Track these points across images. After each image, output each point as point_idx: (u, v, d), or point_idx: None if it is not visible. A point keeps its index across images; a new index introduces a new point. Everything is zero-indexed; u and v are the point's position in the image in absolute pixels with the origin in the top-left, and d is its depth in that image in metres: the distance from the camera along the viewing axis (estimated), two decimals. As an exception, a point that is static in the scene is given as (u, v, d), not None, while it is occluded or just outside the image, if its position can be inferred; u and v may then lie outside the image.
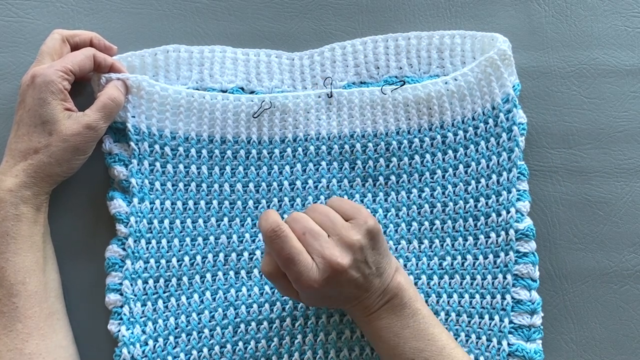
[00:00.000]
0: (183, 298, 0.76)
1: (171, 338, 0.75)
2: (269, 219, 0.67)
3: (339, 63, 0.81)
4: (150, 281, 0.76)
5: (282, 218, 0.77)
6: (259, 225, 0.68)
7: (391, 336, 0.69)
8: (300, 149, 0.79)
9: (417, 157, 0.79)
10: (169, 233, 0.77)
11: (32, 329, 0.70)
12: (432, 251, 0.78)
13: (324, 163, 0.79)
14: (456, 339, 0.76)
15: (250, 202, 0.78)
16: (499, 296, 0.76)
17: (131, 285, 0.75)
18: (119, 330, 0.75)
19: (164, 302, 0.76)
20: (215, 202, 0.78)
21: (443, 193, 0.79)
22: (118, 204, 0.76)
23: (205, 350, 0.76)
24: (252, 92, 0.81)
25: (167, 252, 0.77)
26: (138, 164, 0.77)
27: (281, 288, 0.70)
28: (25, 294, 0.70)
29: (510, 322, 0.75)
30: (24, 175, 0.72)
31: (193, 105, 0.78)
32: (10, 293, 0.70)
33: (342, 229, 0.67)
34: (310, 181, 0.78)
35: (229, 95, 0.79)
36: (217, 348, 0.76)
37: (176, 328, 0.76)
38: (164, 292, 0.76)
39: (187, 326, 0.76)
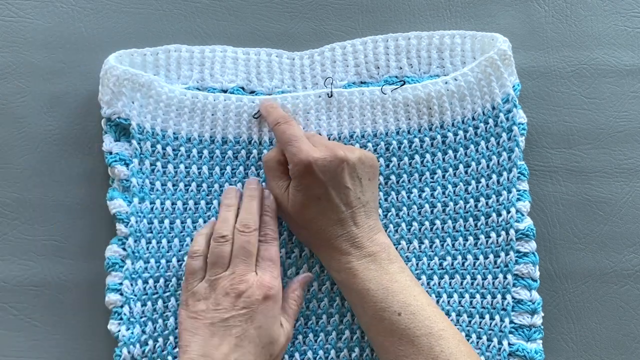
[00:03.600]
0: (183, 298, 0.76)
1: (171, 338, 0.75)
2: (275, 111, 0.76)
3: (339, 63, 0.81)
4: (151, 281, 0.76)
5: (281, 219, 0.77)
6: (265, 115, 0.77)
7: (379, 289, 0.70)
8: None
9: (417, 157, 0.79)
10: (170, 233, 0.77)
11: None
12: (432, 251, 0.78)
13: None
14: (457, 339, 0.77)
15: (251, 202, 0.78)
16: (499, 296, 0.76)
17: (131, 285, 0.75)
18: (119, 330, 0.75)
19: (164, 302, 0.76)
20: (215, 202, 0.78)
21: (443, 193, 0.79)
22: (118, 204, 0.76)
23: (205, 350, 0.76)
24: (252, 92, 0.81)
25: (168, 252, 0.76)
26: (139, 164, 0.77)
27: (272, 178, 0.74)
28: None
29: (511, 322, 0.75)
30: None
31: (197, 106, 0.78)
32: None
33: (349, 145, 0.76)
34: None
35: (231, 95, 0.79)
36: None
37: (176, 328, 0.76)
38: (164, 292, 0.76)
39: (187, 326, 0.76)
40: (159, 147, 0.77)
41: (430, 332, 0.67)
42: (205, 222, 0.78)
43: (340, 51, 0.82)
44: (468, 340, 0.76)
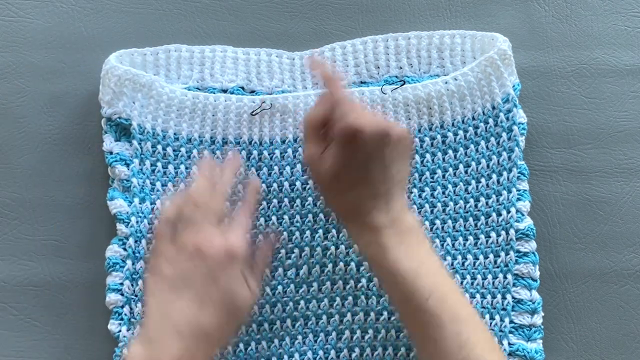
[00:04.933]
0: (183, 299, 0.76)
1: (172, 338, 0.75)
2: (324, 67, 0.73)
3: (339, 63, 0.81)
4: (151, 281, 0.76)
5: (281, 219, 0.77)
6: (313, 69, 0.76)
7: (409, 270, 0.66)
8: (300, 150, 0.79)
9: (417, 157, 0.79)
10: (170, 234, 0.77)
11: None
12: (432, 251, 0.78)
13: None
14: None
15: (251, 203, 0.78)
16: (499, 296, 0.76)
17: (132, 285, 0.75)
18: (119, 330, 0.75)
19: (164, 303, 0.76)
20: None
21: (443, 193, 0.79)
22: (119, 204, 0.76)
23: (205, 350, 0.76)
24: (252, 92, 0.81)
25: (168, 252, 0.76)
26: (140, 164, 0.77)
27: (312, 138, 0.70)
28: None
29: (511, 321, 0.76)
30: (202, 356, 0.66)
31: (197, 106, 0.78)
32: None
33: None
34: (310, 182, 0.78)
35: (232, 96, 0.79)
36: (216, 349, 0.76)
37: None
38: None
39: (187, 326, 0.76)
40: (159, 147, 0.77)
41: (458, 319, 0.65)
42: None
43: (340, 51, 0.82)
44: (469, 339, 0.76)
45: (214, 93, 0.79)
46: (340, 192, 0.70)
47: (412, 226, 0.69)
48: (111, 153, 0.77)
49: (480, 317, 0.68)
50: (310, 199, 0.78)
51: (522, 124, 0.78)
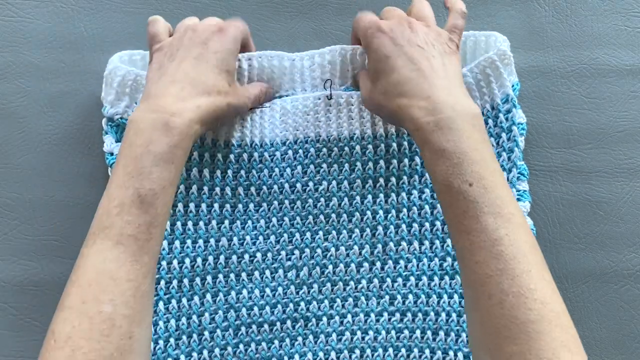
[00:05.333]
0: (184, 300, 0.76)
1: (172, 340, 0.75)
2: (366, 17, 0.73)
3: (338, 65, 0.81)
4: (151, 282, 0.76)
5: (282, 221, 0.77)
6: (356, 24, 0.75)
7: (456, 152, 0.63)
8: (300, 151, 0.79)
9: (417, 159, 0.79)
10: (170, 235, 0.77)
11: (151, 267, 0.63)
12: (432, 252, 0.78)
13: (324, 165, 0.78)
14: (457, 339, 0.76)
15: (251, 205, 0.78)
16: (499, 296, 0.76)
17: (132, 286, 0.75)
18: (120, 331, 0.75)
19: (164, 304, 0.76)
20: (216, 205, 0.78)
21: (443, 194, 0.79)
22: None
23: (205, 352, 0.76)
24: None
25: (168, 254, 0.76)
26: None
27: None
28: (161, 228, 0.64)
29: (511, 322, 0.76)
30: (204, 112, 0.68)
31: None
32: (151, 223, 0.63)
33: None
34: (310, 183, 0.78)
35: None
36: (217, 350, 0.76)
37: (176, 330, 0.76)
38: (165, 294, 0.76)
39: (187, 328, 0.76)
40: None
41: (499, 212, 0.60)
42: (205, 224, 0.77)
43: (341, 53, 0.81)
44: (468, 340, 0.76)
45: None
46: (383, 97, 0.70)
47: (467, 111, 0.65)
48: (112, 154, 0.77)
49: (525, 221, 0.62)
50: (310, 200, 0.78)
51: (522, 124, 0.78)
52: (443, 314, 0.77)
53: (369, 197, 0.78)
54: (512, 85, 0.78)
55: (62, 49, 0.83)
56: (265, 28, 0.84)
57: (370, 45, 0.70)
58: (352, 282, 0.78)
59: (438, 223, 0.78)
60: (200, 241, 0.77)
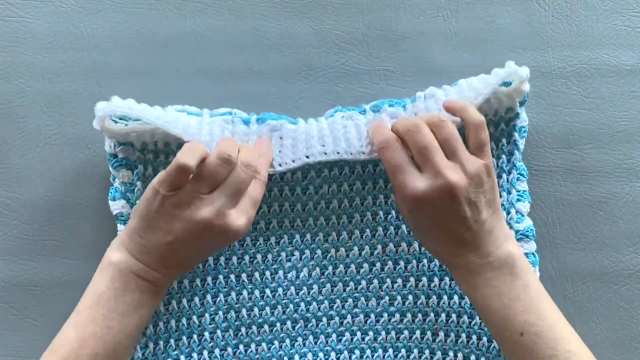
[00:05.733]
0: (184, 301, 0.76)
1: (171, 340, 0.76)
2: (381, 131, 0.70)
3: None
4: (151, 283, 0.76)
5: (282, 223, 0.77)
6: (371, 138, 0.72)
7: (501, 307, 0.66)
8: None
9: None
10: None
11: None
12: (432, 252, 0.78)
13: (325, 170, 0.78)
14: (457, 340, 0.76)
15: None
16: (499, 297, 0.76)
17: (131, 287, 0.75)
18: (119, 332, 0.75)
19: (164, 305, 0.76)
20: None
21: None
22: (121, 205, 0.76)
23: (205, 352, 0.76)
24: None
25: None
26: (144, 169, 0.76)
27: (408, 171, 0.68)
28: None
29: (511, 322, 0.76)
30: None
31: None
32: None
33: (464, 157, 0.67)
34: (310, 186, 0.78)
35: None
36: (217, 351, 0.76)
37: (176, 330, 0.76)
38: (165, 295, 0.76)
39: (187, 328, 0.76)
40: (161, 156, 0.76)
41: (555, 354, 0.64)
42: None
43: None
44: (469, 341, 0.76)
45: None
46: (421, 239, 0.73)
47: (506, 260, 0.67)
48: (115, 156, 0.76)
49: (586, 352, 0.67)
50: (310, 202, 0.78)
51: (523, 127, 0.77)
52: (443, 315, 0.77)
53: (369, 198, 0.78)
54: (522, 101, 0.77)
55: (62, 49, 0.83)
56: (265, 28, 0.84)
57: (410, 212, 0.69)
58: (352, 283, 0.78)
59: (438, 223, 0.78)
60: (200, 242, 0.77)
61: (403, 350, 0.77)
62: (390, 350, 0.77)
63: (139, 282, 0.68)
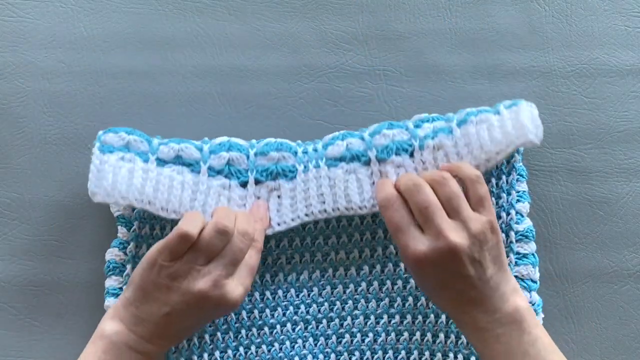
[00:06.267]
0: (184, 303, 0.76)
1: (172, 343, 0.76)
2: (384, 189, 0.69)
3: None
4: (151, 285, 0.76)
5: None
6: (375, 194, 0.71)
7: None
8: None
9: (417, 158, 0.78)
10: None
11: None
12: (432, 253, 0.78)
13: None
14: (457, 341, 0.76)
15: (252, 207, 0.78)
16: (499, 297, 0.76)
17: (131, 289, 0.75)
18: (119, 332, 0.75)
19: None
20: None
21: (443, 195, 0.78)
22: (122, 206, 0.76)
23: (205, 355, 0.76)
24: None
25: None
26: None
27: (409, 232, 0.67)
28: None
29: (511, 323, 0.76)
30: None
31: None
32: None
33: (467, 215, 0.66)
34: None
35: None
36: (217, 353, 0.76)
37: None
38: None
39: (187, 330, 0.76)
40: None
41: None
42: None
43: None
44: (468, 343, 0.76)
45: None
46: (428, 295, 0.73)
47: (511, 317, 0.67)
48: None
49: None
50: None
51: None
52: (442, 316, 0.77)
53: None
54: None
55: (62, 49, 0.83)
56: (265, 28, 0.84)
57: (413, 272, 0.68)
58: (351, 285, 0.78)
59: (438, 224, 0.78)
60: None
61: (403, 352, 0.77)
62: (391, 352, 0.77)
63: (132, 355, 0.68)
